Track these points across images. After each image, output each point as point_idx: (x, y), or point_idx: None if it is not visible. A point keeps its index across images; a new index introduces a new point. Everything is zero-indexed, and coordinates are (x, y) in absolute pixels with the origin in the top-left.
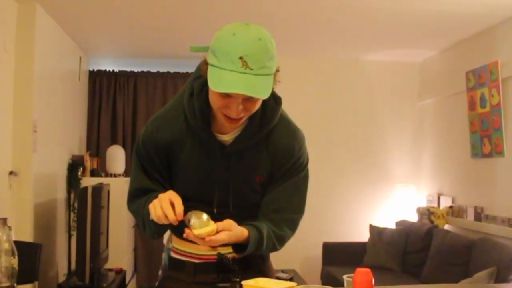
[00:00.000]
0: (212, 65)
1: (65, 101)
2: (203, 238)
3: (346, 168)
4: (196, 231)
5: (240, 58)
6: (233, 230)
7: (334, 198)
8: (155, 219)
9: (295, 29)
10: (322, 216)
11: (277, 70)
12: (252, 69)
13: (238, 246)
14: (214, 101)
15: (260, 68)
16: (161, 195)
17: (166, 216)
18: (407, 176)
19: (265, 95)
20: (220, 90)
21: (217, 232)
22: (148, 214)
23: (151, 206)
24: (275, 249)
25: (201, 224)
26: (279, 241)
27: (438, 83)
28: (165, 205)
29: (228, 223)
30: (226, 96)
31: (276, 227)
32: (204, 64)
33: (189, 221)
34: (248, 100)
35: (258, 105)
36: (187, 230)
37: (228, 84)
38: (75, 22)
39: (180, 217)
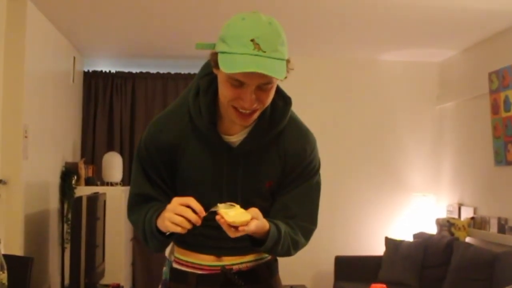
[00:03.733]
0: (222, 52)
1: (58, 104)
2: (235, 227)
3: (359, 176)
4: (230, 219)
5: (252, 40)
6: (260, 219)
7: (347, 208)
8: (177, 230)
9: (306, 27)
10: (334, 228)
11: (288, 61)
12: (264, 51)
13: (254, 241)
14: (225, 93)
15: (272, 51)
16: (168, 206)
17: (188, 221)
18: (426, 185)
19: (281, 76)
20: (234, 71)
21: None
22: (154, 231)
23: (166, 222)
24: (288, 253)
25: (235, 212)
26: (294, 245)
27: (458, 85)
28: (181, 210)
29: (256, 212)
30: (239, 85)
31: (292, 230)
32: (213, 54)
33: (217, 208)
34: (261, 89)
35: (271, 97)
36: (219, 216)
37: (241, 65)
38: (68, 19)
39: (203, 214)
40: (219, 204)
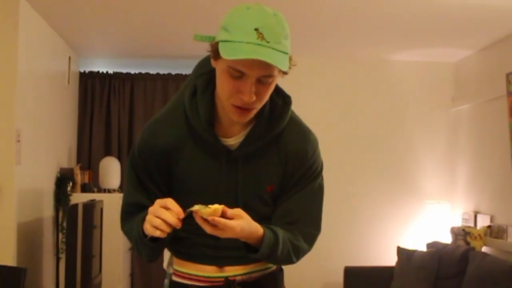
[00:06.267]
0: (224, 41)
1: (52, 107)
2: (212, 225)
3: (370, 183)
4: (200, 212)
5: (256, 29)
6: (244, 218)
7: (356, 216)
8: (156, 234)
9: (312, 24)
10: (343, 237)
11: (290, 58)
12: (268, 42)
13: (250, 248)
14: (224, 85)
15: (276, 43)
16: (150, 209)
17: (166, 223)
18: (440, 192)
19: (283, 67)
20: (235, 57)
21: (224, 215)
22: (140, 235)
23: (147, 225)
24: (290, 260)
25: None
26: (295, 251)
27: (474, 86)
28: (161, 212)
29: (238, 211)
30: (239, 76)
31: (292, 235)
32: (213, 45)
33: (192, 211)
34: (261, 83)
35: (269, 93)
36: (195, 215)
37: (244, 52)
38: (64, 17)
39: (182, 215)
40: (195, 205)
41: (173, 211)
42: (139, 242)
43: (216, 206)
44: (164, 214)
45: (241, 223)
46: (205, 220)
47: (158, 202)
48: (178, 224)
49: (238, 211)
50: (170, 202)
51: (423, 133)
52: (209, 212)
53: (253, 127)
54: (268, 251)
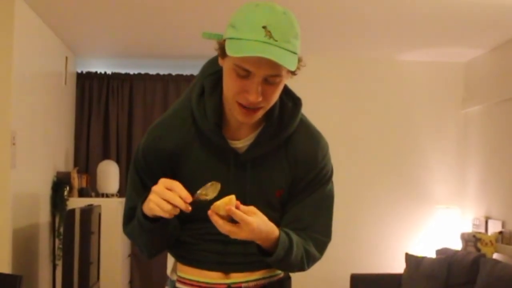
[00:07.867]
0: (230, 38)
1: (48, 108)
2: (229, 221)
3: (377, 187)
4: (215, 207)
5: (264, 27)
6: (259, 215)
7: (363, 222)
8: (161, 213)
9: (320, 24)
10: (350, 243)
11: (300, 59)
12: (276, 40)
13: (263, 251)
14: (230, 84)
15: (285, 42)
16: (154, 188)
17: (173, 206)
18: (450, 197)
19: (291, 67)
20: (241, 54)
21: (238, 206)
22: (140, 217)
23: (151, 205)
24: (302, 266)
25: (214, 191)
26: (307, 257)
27: (486, 87)
28: (169, 196)
29: (252, 207)
30: (245, 75)
31: (304, 241)
32: (220, 43)
33: (200, 195)
34: (268, 82)
35: (277, 94)
36: (209, 211)
37: (250, 50)
38: (61, 16)
39: (189, 199)
40: (198, 192)
41: (182, 195)
42: (138, 232)
43: (229, 196)
44: (174, 199)
45: (258, 220)
46: (221, 216)
47: (163, 182)
48: (187, 208)
49: (251, 207)
50: (177, 185)
51: (433, 135)
52: (225, 201)
53: (262, 130)
54: (283, 254)
